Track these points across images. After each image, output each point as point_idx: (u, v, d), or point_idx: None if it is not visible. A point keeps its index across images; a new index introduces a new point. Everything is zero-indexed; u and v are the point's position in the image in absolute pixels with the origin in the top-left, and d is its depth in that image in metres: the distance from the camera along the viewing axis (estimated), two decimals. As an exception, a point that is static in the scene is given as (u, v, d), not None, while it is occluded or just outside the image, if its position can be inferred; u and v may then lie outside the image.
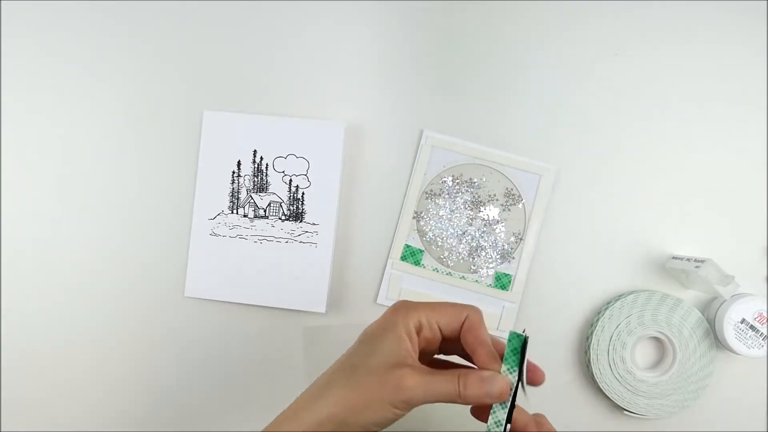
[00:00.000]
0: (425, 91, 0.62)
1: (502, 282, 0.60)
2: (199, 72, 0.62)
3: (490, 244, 0.60)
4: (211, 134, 0.62)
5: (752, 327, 0.55)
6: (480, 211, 0.61)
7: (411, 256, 0.61)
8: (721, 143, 0.61)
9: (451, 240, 0.60)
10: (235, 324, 0.61)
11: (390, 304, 0.60)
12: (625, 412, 0.58)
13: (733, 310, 0.55)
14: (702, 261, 0.55)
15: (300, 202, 0.61)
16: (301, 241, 0.61)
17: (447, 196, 0.61)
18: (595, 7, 0.61)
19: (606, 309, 0.58)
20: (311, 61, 0.62)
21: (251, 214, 0.61)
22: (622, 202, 0.61)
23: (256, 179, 0.61)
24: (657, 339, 0.59)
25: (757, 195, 0.61)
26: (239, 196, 0.62)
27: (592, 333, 0.58)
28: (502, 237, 0.61)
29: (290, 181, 0.61)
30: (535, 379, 0.43)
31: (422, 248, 0.61)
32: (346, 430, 0.40)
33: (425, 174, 0.61)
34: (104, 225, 0.62)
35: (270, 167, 0.61)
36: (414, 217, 0.61)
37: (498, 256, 0.60)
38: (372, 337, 0.42)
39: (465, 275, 0.60)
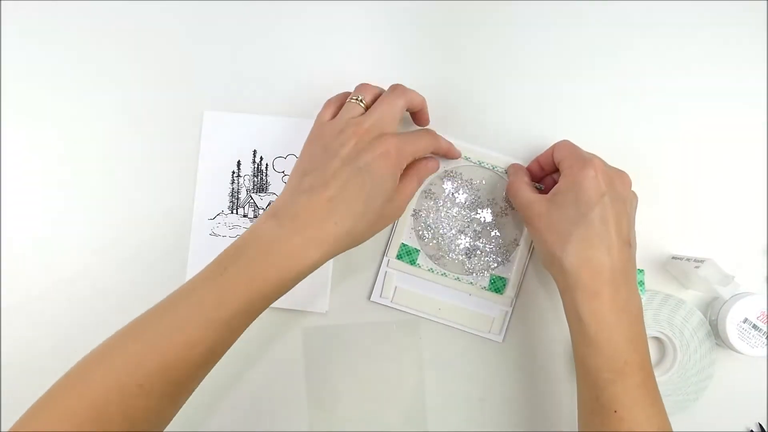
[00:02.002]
0: (425, 92, 0.61)
1: (497, 285, 0.60)
2: (199, 72, 0.62)
3: (486, 246, 0.60)
4: (211, 134, 0.62)
5: (755, 326, 0.55)
6: (477, 213, 0.60)
7: (407, 255, 0.60)
8: (722, 143, 0.61)
9: (447, 241, 0.60)
10: (235, 324, 0.61)
11: (384, 302, 0.60)
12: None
13: (735, 309, 0.55)
14: (702, 261, 0.54)
15: (300, 202, 0.61)
16: (300, 241, 0.60)
17: (445, 196, 0.61)
18: (595, 6, 0.61)
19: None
20: (311, 61, 0.62)
21: (251, 214, 0.61)
22: (622, 203, 0.61)
23: (256, 179, 0.61)
24: (658, 339, 0.59)
25: (757, 195, 0.60)
26: (239, 196, 0.62)
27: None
28: (499, 240, 0.60)
29: (290, 181, 0.61)
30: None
31: (418, 248, 0.60)
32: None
33: (425, 174, 0.61)
34: (104, 225, 0.62)
35: (270, 167, 0.61)
36: (412, 215, 0.61)
37: (493, 259, 0.60)
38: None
39: (460, 276, 0.60)
